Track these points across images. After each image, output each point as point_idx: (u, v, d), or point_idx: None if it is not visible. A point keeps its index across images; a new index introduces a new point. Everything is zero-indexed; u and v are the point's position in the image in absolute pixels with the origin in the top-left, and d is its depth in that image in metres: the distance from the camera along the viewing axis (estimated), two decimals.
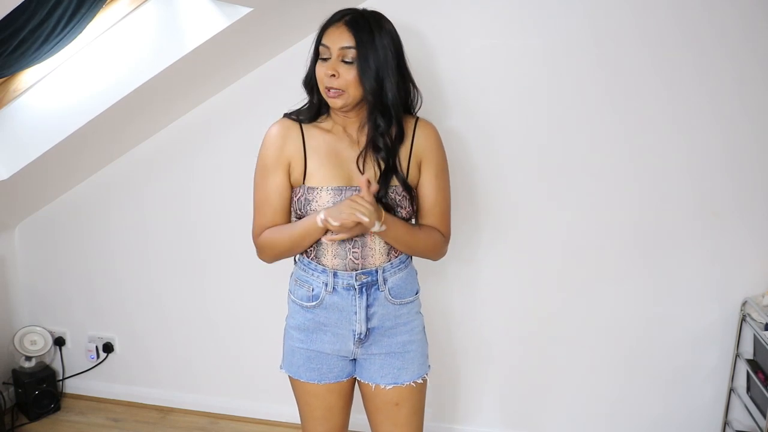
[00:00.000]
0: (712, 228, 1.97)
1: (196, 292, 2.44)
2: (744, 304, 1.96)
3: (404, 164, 1.42)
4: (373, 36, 1.32)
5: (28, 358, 2.49)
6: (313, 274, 1.42)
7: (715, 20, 1.82)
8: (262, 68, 2.16)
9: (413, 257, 1.52)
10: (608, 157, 1.99)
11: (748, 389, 1.97)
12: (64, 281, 2.57)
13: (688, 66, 1.87)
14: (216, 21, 1.77)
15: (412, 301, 1.48)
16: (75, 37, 1.68)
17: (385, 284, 1.42)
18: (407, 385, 1.47)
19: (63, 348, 2.61)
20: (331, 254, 1.40)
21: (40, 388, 2.45)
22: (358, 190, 1.36)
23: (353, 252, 1.39)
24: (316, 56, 1.37)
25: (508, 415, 2.26)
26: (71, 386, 2.65)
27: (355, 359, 1.49)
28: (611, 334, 2.12)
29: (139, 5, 1.86)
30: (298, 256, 1.48)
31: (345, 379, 1.50)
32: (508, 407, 2.26)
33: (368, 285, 1.41)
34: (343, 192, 1.37)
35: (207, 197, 2.35)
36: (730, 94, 1.86)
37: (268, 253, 1.47)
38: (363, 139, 1.41)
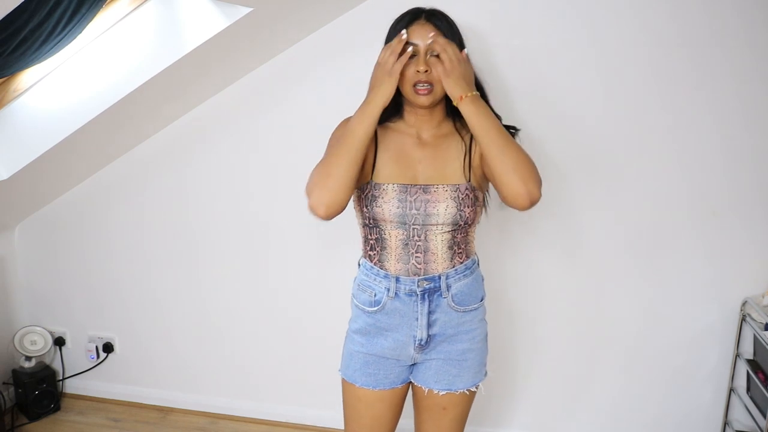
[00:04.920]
0: (711, 228, 1.97)
1: (196, 292, 2.44)
2: (744, 304, 1.95)
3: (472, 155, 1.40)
4: (452, 27, 1.36)
5: (28, 358, 2.49)
6: (375, 279, 1.41)
7: (714, 20, 1.82)
8: (261, 68, 2.15)
9: (479, 263, 1.48)
10: (607, 157, 1.99)
11: (748, 389, 1.97)
12: (64, 281, 2.57)
13: (686, 66, 1.87)
14: (216, 21, 1.77)
15: (476, 309, 1.45)
16: (75, 37, 1.68)
17: (448, 291, 1.39)
18: (460, 393, 1.46)
19: (63, 348, 2.61)
20: (394, 259, 1.39)
21: (40, 388, 2.45)
22: (422, 189, 1.35)
23: (416, 257, 1.38)
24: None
25: (512, 415, 2.26)
26: (71, 386, 2.65)
27: (414, 364, 1.47)
28: (611, 334, 2.12)
29: (139, 5, 1.86)
30: (361, 261, 1.47)
31: (399, 386, 1.48)
32: (512, 408, 2.26)
33: (431, 291, 1.39)
34: (408, 189, 1.36)
35: (206, 197, 2.35)
36: (729, 94, 1.86)
37: (320, 184, 1.30)
38: (432, 139, 1.40)
